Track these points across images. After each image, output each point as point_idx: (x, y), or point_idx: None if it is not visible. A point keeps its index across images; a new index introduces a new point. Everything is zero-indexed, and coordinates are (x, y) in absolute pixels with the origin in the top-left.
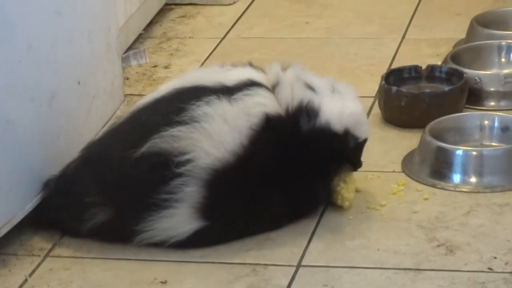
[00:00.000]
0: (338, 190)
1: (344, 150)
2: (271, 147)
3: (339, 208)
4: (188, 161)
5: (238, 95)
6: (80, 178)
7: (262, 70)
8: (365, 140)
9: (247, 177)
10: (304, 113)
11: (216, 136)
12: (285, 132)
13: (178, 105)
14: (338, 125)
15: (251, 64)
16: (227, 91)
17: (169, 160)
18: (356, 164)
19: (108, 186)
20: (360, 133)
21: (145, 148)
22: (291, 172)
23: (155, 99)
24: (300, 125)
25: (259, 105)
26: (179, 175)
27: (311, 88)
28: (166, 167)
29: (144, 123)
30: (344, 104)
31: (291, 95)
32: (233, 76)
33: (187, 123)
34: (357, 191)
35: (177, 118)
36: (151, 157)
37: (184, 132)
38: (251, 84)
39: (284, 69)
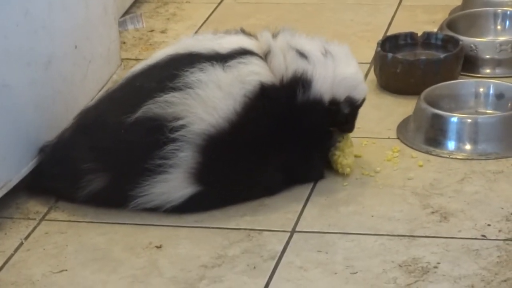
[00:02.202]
0: (334, 159)
1: (337, 118)
2: (264, 115)
3: (340, 174)
4: (182, 126)
5: (232, 63)
6: (76, 145)
7: (254, 36)
8: (362, 101)
9: (240, 143)
10: (299, 84)
11: (210, 102)
12: (280, 102)
13: (172, 71)
14: (330, 96)
15: (243, 31)
16: (221, 59)
17: (164, 125)
18: (349, 128)
19: (104, 152)
20: (358, 94)
21: (139, 113)
22: (285, 140)
23: (149, 65)
24: (295, 96)
25: (253, 73)
26: (174, 140)
27: (303, 55)
28: (160, 132)
29: (138, 89)
30: (337, 69)
31: (284, 64)
32: (226, 43)
33: (181, 89)
34: (356, 156)
35: (171, 84)
36: (145, 122)
37: (178, 98)
38: (244, 52)
39: (274, 35)
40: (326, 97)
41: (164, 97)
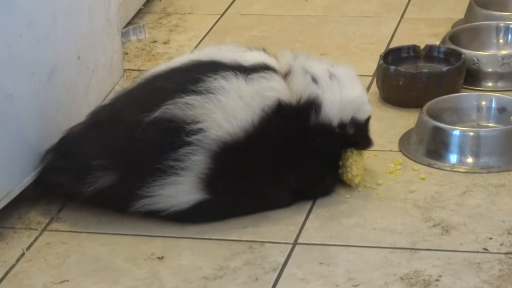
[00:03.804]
0: (341, 176)
1: (346, 140)
2: (278, 131)
3: (344, 187)
4: (199, 130)
5: (254, 76)
6: (87, 140)
7: (275, 56)
8: (368, 119)
9: (253, 155)
10: (313, 108)
11: (230, 110)
12: (294, 122)
13: (194, 75)
14: (338, 119)
15: (265, 50)
16: (244, 70)
17: (181, 127)
18: (365, 144)
19: (116, 150)
20: (361, 115)
21: (158, 113)
22: (296, 158)
23: (171, 68)
24: (308, 118)
25: (273, 89)
26: (189, 143)
27: (314, 80)
28: (177, 134)
29: (159, 89)
30: (343, 93)
31: (302, 87)
32: (249, 57)
33: (202, 93)
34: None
35: (193, 88)
36: (163, 122)
37: (199, 101)
38: (266, 68)
39: (294, 58)
40: (335, 120)
41: (185, 98)
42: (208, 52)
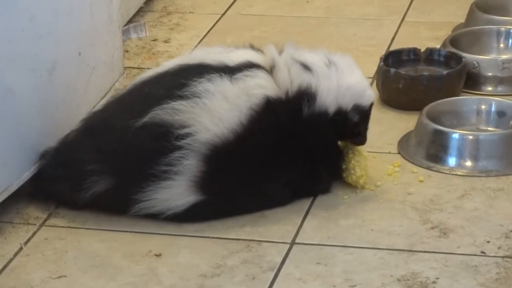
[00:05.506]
0: (345, 179)
1: (346, 129)
2: (270, 128)
3: (342, 188)
4: (188, 134)
5: (239, 75)
6: (81, 147)
7: (261, 51)
8: (371, 105)
9: (244, 155)
10: (304, 98)
11: (216, 112)
12: (285, 116)
13: (180, 80)
14: (336, 107)
15: (252, 46)
16: (229, 71)
17: (170, 132)
18: (361, 141)
19: (110, 155)
20: (364, 100)
21: (147, 118)
22: (290, 154)
23: (158, 73)
24: (300, 110)
25: (259, 87)
26: (179, 147)
27: (307, 67)
28: (166, 139)
29: (146, 95)
30: (341, 79)
31: (289, 78)
32: (234, 57)
33: (188, 98)
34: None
35: (179, 93)
36: (152, 127)
37: (185, 106)
38: (251, 66)
39: (280, 50)
40: (331, 108)
41: (171, 104)
42: (195, 56)
